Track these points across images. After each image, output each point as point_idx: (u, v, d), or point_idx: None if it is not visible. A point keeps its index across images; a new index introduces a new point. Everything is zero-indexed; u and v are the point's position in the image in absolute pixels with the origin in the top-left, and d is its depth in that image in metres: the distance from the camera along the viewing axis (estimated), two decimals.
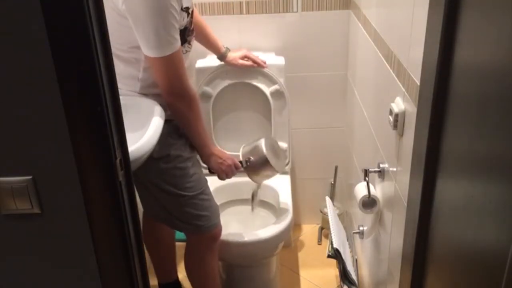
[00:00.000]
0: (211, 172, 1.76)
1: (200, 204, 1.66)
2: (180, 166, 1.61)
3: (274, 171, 1.83)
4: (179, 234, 1.97)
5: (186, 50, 1.57)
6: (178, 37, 1.44)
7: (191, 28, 1.58)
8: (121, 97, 0.97)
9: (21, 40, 0.83)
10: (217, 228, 1.73)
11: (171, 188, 1.61)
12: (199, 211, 1.66)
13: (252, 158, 1.79)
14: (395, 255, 1.40)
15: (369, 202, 1.58)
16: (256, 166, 1.80)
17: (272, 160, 1.79)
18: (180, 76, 1.49)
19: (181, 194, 1.62)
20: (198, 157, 1.71)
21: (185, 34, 1.53)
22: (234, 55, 2.02)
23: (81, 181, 0.92)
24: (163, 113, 1.48)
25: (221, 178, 1.76)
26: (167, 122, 1.52)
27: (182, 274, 2.08)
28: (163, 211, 1.68)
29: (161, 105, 1.52)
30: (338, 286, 2.17)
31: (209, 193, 1.71)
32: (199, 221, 1.67)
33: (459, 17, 0.91)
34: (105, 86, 0.89)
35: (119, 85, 1.58)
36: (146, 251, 1.70)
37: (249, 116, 2.18)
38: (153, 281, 2.03)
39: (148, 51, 1.43)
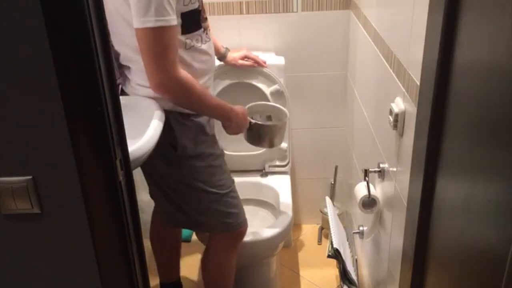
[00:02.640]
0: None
1: (230, 202, 1.66)
2: (213, 164, 1.61)
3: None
4: (184, 234, 1.97)
5: (205, 40, 1.53)
6: (173, 14, 1.36)
7: (205, 16, 1.54)
8: (121, 97, 0.97)
9: (21, 40, 0.83)
10: (245, 225, 1.73)
11: (205, 186, 1.60)
12: (229, 209, 1.66)
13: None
14: (395, 255, 1.40)
15: (369, 202, 1.58)
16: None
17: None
18: (167, 57, 1.37)
19: (214, 191, 1.61)
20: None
21: (199, 19, 1.48)
22: (234, 56, 2.02)
23: (81, 181, 0.92)
24: (163, 113, 1.48)
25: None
26: (192, 119, 1.52)
27: (182, 273, 2.08)
28: (190, 212, 1.65)
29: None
30: (338, 286, 2.17)
31: (236, 191, 1.71)
32: (228, 218, 1.66)
33: (459, 17, 0.91)
34: (105, 86, 0.88)
35: (131, 89, 1.53)
36: (147, 251, 1.70)
37: None
38: (153, 281, 2.03)
39: (137, 22, 1.34)
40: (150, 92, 1.46)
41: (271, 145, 1.83)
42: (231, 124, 1.63)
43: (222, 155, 1.65)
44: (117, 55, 1.62)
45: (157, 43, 1.36)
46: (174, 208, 1.66)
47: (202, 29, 1.52)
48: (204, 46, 1.52)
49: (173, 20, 1.37)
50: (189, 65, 1.49)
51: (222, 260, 1.77)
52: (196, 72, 1.51)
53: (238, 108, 1.65)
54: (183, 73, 1.43)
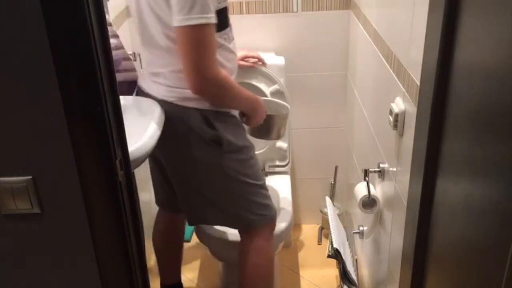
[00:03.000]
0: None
1: (264, 194, 1.66)
2: (252, 155, 1.62)
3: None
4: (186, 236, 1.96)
5: (231, 39, 1.52)
6: (213, 12, 1.34)
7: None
8: (121, 97, 0.97)
9: (21, 40, 0.83)
10: (275, 217, 1.72)
11: (247, 179, 1.59)
12: (264, 200, 1.66)
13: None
14: (395, 255, 1.40)
15: (369, 202, 1.58)
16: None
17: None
18: (208, 56, 1.36)
19: (254, 183, 1.61)
20: None
21: (227, 17, 1.47)
22: None
23: (81, 181, 0.92)
24: (163, 113, 1.48)
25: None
26: (228, 114, 1.53)
27: (182, 274, 2.08)
28: (230, 208, 1.63)
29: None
30: (338, 286, 2.17)
31: None
32: (265, 210, 1.66)
33: (459, 17, 0.91)
34: (105, 86, 0.88)
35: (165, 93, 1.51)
36: (146, 252, 1.70)
37: None
38: (153, 281, 2.03)
39: (179, 20, 1.32)
40: (185, 93, 1.45)
41: (278, 136, 1.82)
42: (256, 114, 1.62)
43: (254, 147, 1.66)
44: (121, 58, 1.62)
45: (199, 41, 1.34)
46: (210, 207, 1.63)
47: (229, 27, 1.51)
48: (230, 45, 1.52)
49: (214, 18, 1.35)
50: (221, 63, 1.47)
51: (265, 255, 1.71)
52: (228, 71, 1.50)
53: (259, 97, 1.64)
54: (222, 71, 1.42)
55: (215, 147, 1.53)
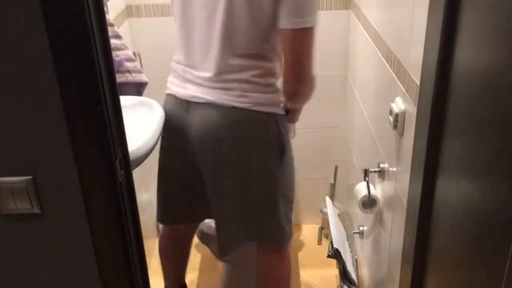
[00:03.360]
0: None
1: (293, 210, 1.63)
2: (294, 166, 1.58)
3: None
4: None
5: None
6: None
7: None
8: (121, 97, 0.97)
9: (21, 40, 0.83)
10: None
11: (288, 194, 1.56)
12: (291, 217, 1.63)
13: None
14: (395, 255, 1.40)
15: (369, 202, 1.58)
16: None
17: None
18: (312, 57, 1.34)
19: (292, 199, 1.59)
20: None
21: None
22: None
23: (81, 181, 0.92)
24: (163, 113, 1.48)
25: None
26: (285, 116, 1.48)
27: (186, 276, 2.08)
28: (268, 224, 1.57)
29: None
30: (338, 286, 2.17)
31: None
32: (290, 226, 1.62)
33: (459, 17, 0.91)
34: (105, 86, 0.88)
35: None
36: (146, 254, 1.70)
37: None
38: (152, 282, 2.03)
39: (294, 22, 1.29)
40: (261, 97, 1.41)
41: (294, 134, 1.82)
42: (301, 110, 1.60)
43: None
44: (123, 59, 1.59)
45: (311, 43, 1.34)
46: (250, 221, 1.58)
47: None
48: None
49: None
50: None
51: (287, 266, 1.70)
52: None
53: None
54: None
55: (276, 155, 1.48)
